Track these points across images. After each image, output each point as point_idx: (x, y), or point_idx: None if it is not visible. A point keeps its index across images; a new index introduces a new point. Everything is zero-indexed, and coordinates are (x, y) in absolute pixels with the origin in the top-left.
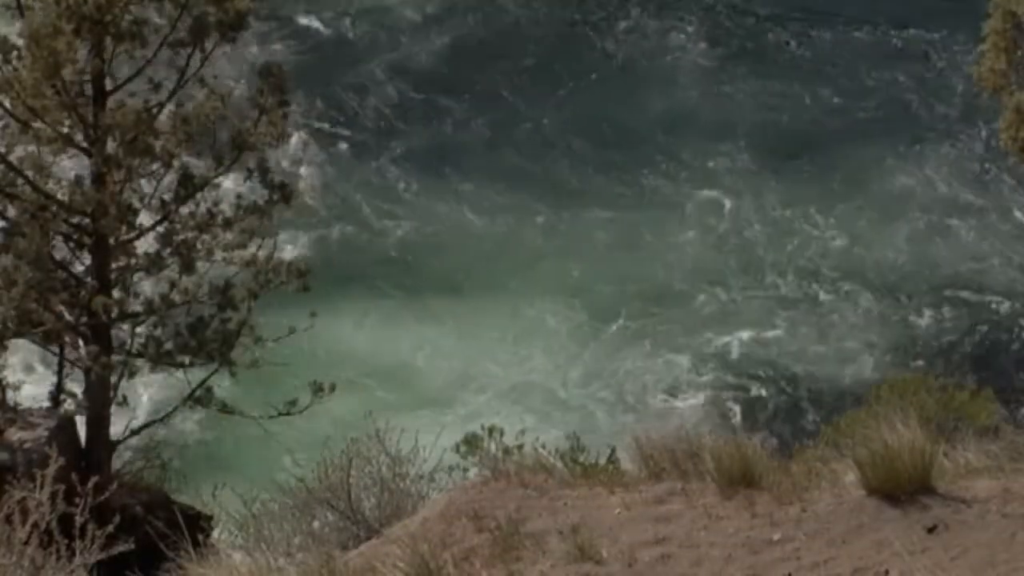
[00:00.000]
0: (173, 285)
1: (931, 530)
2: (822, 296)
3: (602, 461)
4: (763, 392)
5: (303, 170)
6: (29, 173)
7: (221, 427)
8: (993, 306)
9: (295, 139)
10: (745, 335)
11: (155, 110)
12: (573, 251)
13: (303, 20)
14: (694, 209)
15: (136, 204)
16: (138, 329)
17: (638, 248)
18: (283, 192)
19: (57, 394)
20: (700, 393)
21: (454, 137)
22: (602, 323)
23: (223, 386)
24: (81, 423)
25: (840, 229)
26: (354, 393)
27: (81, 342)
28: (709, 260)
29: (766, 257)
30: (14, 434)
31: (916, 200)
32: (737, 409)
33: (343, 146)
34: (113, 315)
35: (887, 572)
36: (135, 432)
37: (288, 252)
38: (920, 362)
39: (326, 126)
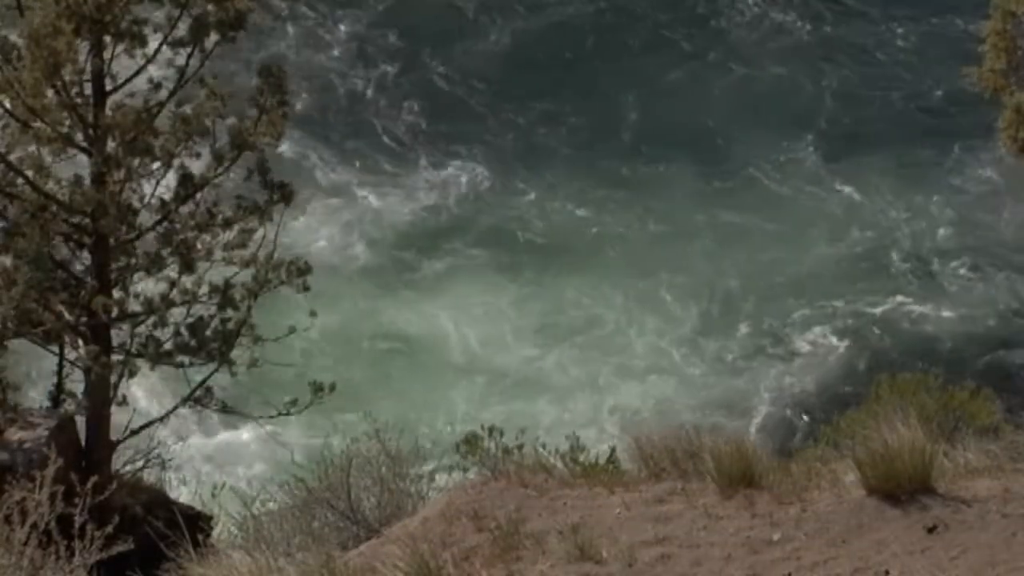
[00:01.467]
0: (173, 285)
1: (931, 530)
2: (935, 278)
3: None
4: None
5: (397, 161)
6: (29, 173)
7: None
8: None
9: (389, 129)
10: (847, 320)
11: (155, 110)
12: (678, 240)
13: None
14: (795, 198)
15: (136, 204)
16: (138, 329)
17: (739, 238)
18: (283, 192)
19: (57, 394)
20: (799, 376)
21: (551, 129)
22: (715, 309)
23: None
24: (81, 423)
25: (937, 215)
26: (474, 385)
27: (81, 342)
28: (813, 248)
29: (866, 244)
30: (14, 434)
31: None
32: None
33: (441, 136)
34: (113, 315)
35: (887, 572)
36: (135, 432)
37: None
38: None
39: (422, 119)
